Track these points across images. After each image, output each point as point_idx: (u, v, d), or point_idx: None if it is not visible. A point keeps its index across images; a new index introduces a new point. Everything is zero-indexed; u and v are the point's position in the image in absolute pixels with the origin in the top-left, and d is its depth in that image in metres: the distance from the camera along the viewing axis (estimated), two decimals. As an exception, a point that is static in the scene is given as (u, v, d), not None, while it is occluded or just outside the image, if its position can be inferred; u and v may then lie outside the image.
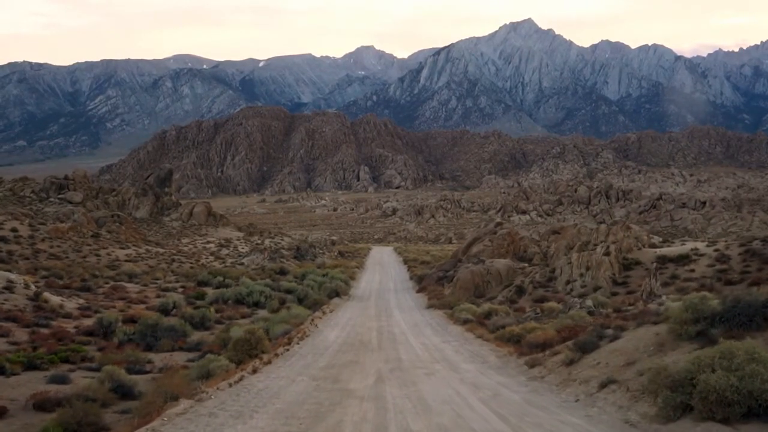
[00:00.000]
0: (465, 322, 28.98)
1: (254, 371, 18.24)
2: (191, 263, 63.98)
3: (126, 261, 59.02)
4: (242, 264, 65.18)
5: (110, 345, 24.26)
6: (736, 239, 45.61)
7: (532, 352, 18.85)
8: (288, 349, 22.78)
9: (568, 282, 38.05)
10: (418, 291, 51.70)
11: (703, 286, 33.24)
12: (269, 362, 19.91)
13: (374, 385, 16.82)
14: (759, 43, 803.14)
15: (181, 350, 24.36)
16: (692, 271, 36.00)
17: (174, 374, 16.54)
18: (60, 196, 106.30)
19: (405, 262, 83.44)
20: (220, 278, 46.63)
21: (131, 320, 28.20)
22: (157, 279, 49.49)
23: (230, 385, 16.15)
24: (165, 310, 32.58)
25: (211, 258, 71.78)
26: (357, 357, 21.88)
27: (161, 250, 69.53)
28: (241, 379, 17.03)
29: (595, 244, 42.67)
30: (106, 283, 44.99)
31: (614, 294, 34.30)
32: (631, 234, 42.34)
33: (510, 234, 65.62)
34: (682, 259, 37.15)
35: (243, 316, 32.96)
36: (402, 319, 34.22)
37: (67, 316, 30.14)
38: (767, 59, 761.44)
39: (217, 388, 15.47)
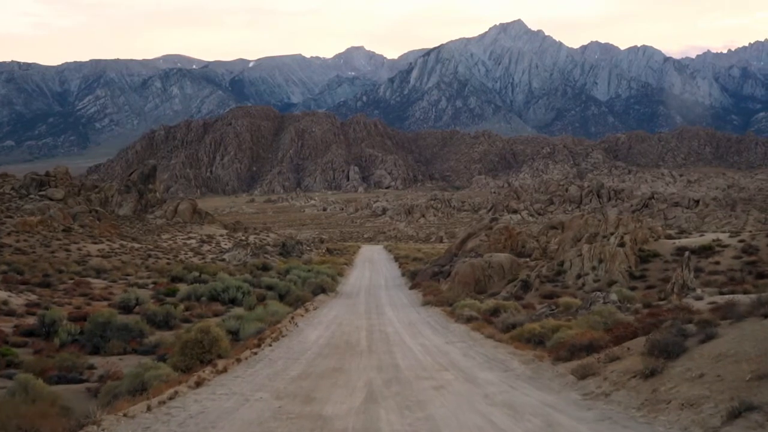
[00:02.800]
0: (469, 319, 25.21)
1: (198, 384, 13.82)
2: (168, 259, 60.01)
3: (98, 256, 55.02)
4: (223, 260, 61.32)
5: (50, 347, 20.42)
6: (761, 229, 42.06)
7: (573, 356, 14.71)
8: (256, 353, 18.73)
9: (579, 276, 34.40)
10: (412, 287, 47.80)
11: (732, 279, 29.88)
12: (224, 370, 15.67)
13: (363, 408, 12.36)
14: (747, 44, 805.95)
15: (134, 352, 20.52)
16: (717, 263, 32.59)
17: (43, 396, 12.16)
18: (41, 192, 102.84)
19: (396, 259, 79.65)
20: (196, 273, 42.67)
21: (83, 318, 24.27)
22: (128, 275, 45.57)
23: (149, 408, 11.49)
24: (126, 307, 28.75)
25: (191, 254, 67.78)
26: (341, 363, 17.75)
27: (137, 246, 65.50)
28: (172, 396, 12.44)
29: (604, 236, 39.14)
30: (71, 278, 41.08)
31: (632, 288, 30.71)
32: (644, 224, 38.77)
33: (507, 228, 62.20)
34: (705, 251, 33.67)
35: (216, 314, 29.07)
36: (395, 317, 30.34)
37: (10, 313, 26.25)
38: (755, 61, 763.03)
39: (124, 415, 10.83)
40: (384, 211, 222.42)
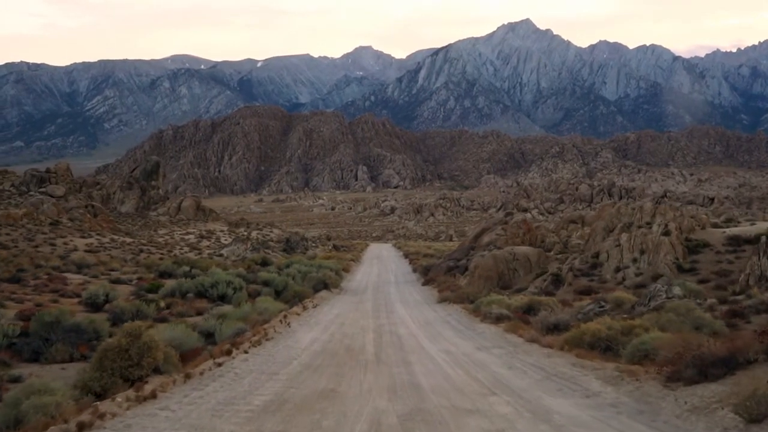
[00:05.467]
0: (499, 318, 20.93)
1: (81, 428, 8.61)
2: (162, 254, 55.95)
3: (85, 251, 51.04)
4: (221, 255, 57.28)
5: (-21, 351, 16.31)
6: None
7: (704, 376, 9.70)
8: (220, 364, 14.04)
9: (618, 269, 30.09)
10: (425, 283, 43.46)
11: (801, 272, 25.50)
12: (151, 396, 10.69)
13: None
14: (757, 43, 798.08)
15: (83, 359, 16.32)
16: (779, 254, 28.16)
17: None
18: (41, 189, 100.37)
19: (406, 255, 75.25)
20: (186, 268, 38.54)
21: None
22: (113, 270, 41.54)
23: None
24: (94, 304, 24.68)
25: (187, 249, 63.70)
26: (337, 381, 12.84)
27: (129, 240, 61.48)
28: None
29: (639, 226, 34.84)
30: (47, 273, 37.07)
31: (682, 283, 26.45)
32: (686, 213, 34.46)
33: (525, 222, 58.05)
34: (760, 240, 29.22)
35: (199, 312, 24.91)
36: (408, 316, 26.00)
37: (-48, 311, 22.15)
38: (765, 60, 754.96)
39: None
40: (392, 210, 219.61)
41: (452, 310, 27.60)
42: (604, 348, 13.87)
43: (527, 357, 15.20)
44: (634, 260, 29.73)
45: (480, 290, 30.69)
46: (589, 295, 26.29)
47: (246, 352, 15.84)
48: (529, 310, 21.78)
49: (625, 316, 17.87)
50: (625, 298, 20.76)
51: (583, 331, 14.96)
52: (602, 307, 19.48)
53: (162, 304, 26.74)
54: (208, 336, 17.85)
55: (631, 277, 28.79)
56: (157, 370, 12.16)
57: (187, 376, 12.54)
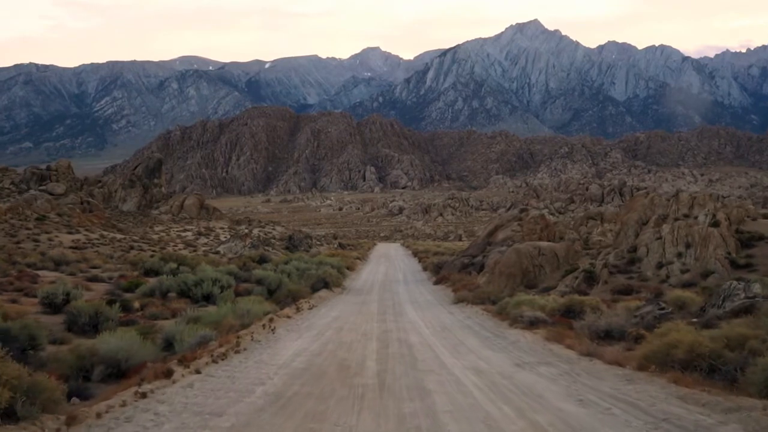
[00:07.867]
0: (532, 322, 17.10)
1: None
2: (153, 251, 52.43)
3: (71, 247, 47.63)
4: (217, 252, 53.83)
5: None
6: None
7: None
8: (144, 395, 9.31)
9: (660, 265, 26.26)
10: (437, 282, 39.56)
11: None
12: None
13: None
14: (767, 43, 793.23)
15: (4, 374, 12.78)
16: None
17: None
18: (41, 187, 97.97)
19: (415, 254, 71.51)
20: (173, 265, 34.95)
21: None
22: (95, 266, 38.07)
23: None
24: (53, 305, 21.11)
25: (183, 246, 60.15)
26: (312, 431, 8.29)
27: (120, 236, 58.03)
28: None
29: (676, 218, 31.08)
30: (20, 270, 33.63)
31: (737, 280, 22.67)
32: (730, 203, 30.67)
33: (543, 218, 54.31)
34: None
35: (174, 314, 21.25)
36: (420, 319, 22.12)
37: None
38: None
39: None
40: (401, 210, 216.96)
41: (471, 312, 23.67)
42: (707, 369, 9.73)
43: (597, 382, 10.61)
44: (679, 255, 25.90)
45: (502, 289, 26.93)
46: (628, 295, 22.62)
47: (198, 371, 11.36)
48: (568, 312, 18.02)
49: (694, 320, 14.16)
50: (688, 298, 17.03)
51: (672, 343, 10.51)
52: (662, 308, 15.73)
53: (137, 304, 23.23)
54: (168, 346, 14.19)
55: (676, 273, 24.99)
56: (12, 415, 7.49)
57: (69, 423, 7.81)
